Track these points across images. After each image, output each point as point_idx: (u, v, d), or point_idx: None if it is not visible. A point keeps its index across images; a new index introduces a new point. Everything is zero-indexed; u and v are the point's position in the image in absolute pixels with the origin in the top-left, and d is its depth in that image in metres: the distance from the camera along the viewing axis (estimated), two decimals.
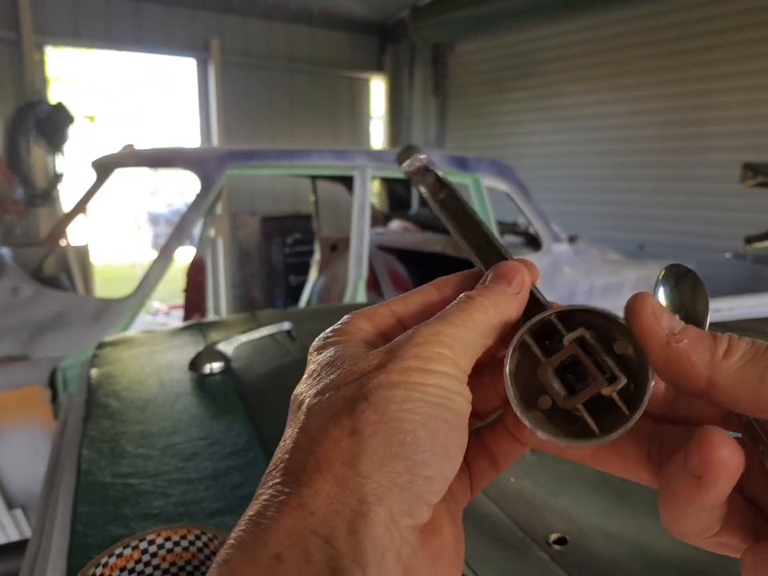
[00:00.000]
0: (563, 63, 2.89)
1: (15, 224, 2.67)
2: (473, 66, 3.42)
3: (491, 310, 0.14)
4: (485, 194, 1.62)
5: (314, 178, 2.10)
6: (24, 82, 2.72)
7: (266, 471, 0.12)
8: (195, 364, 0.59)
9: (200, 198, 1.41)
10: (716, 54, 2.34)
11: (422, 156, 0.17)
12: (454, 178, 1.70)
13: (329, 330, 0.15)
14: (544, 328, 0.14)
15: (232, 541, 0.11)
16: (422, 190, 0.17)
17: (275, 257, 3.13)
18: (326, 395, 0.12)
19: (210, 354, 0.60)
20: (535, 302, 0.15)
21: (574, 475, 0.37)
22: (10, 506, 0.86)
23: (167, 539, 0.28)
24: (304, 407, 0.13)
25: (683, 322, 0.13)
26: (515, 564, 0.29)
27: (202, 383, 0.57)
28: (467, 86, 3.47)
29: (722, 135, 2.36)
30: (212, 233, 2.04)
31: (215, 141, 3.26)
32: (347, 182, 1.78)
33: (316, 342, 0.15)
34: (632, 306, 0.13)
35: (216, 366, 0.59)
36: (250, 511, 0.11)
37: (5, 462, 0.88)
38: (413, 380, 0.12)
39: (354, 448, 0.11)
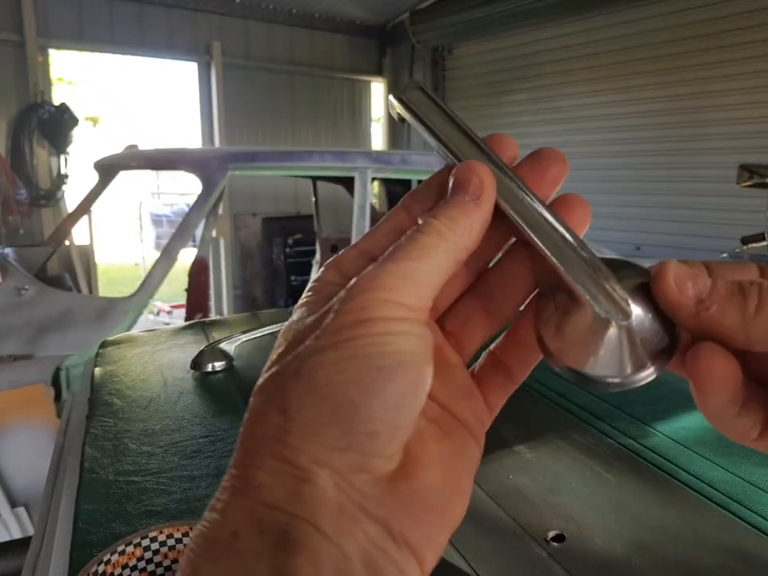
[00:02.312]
0: (562, 65, 2.89)
1: (19, 224, 2.69)
2: (472, 69, 3.42)
3: (445, 230, 0.12)
4: None
5: (314, 179, 2.11)
6: (28, 84, 2.73)
7: None
8: (197, 363, 0.59)
9: (202, 198, 1.41)
10: (714, 56, 2.34)
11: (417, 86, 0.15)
12: None
13: (307, 287, 0.14)
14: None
15: (196, 531, 0.11)
16: (402, 95, 0.15)
17: (276, 257, 3.13)
18: (268, 373, 0.12)
19: (212, 352, 0.60)
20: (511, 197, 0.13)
21: (572, 473, 0.37)
22: (14, 503, 0.87)
23: (170, 536, 0.28)
24: (255, 386, 0.13)
25: (710, 281, 0.12)
26: (513, 561, 0.30)
27: (204, 382, 0.57)
28: (466, 88, 3.48)
29: (719, 136, 2.36)
30: (214, 233, 2.04)
31: (217, 142, 3.27)
32: (348, 182, 1.78)
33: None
34: (654, 278, 0.12)
35: (218, 364, 0.59)
36: (211, 501, 0.12)
37: (8, 460, 0.89)
38: (344, 337, 0.11)
39: (285, 425, 0.11)
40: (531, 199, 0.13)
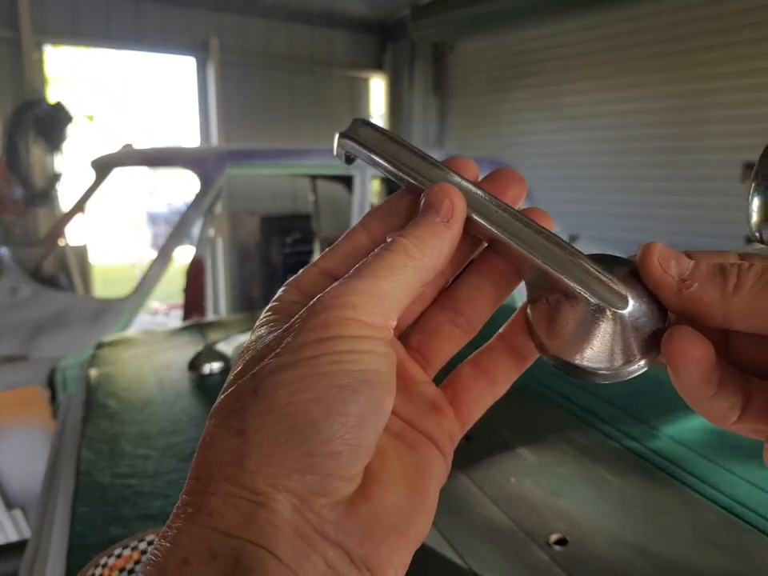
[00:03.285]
0: (564, 62, 2.89)
1: (14, 224, 2.67)
2: (473, 65, 3.42)
3: (414, 249, 0.12)
4: None
5: (313, 177, 2.10)
6: (23, 81, 2.71)
7: None
8: (194, 364, 0.59)
9: (199, 197, 1.40)
10: (716, 53, 2.34)
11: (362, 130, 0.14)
12: None
13: (267, 306, 0.14)
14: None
15: (146, 559, 0.11)
16: (349, 134, 0.15)
17: (274, 257, 3.13)
18: (225, 393, 0.12)
19: (210, 354, 0.60)
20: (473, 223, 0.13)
21: (575, 475, 0.37)
22: (9, 506, 0.86)
23: None
24: (212, 408, 0.12)
25: (692, 262, 0.12)
26: (516, 564, 0.29)
27: (201, 383, 0.57)
28: (467, 85, 3.47)
29: (723, 135, 2.36)
30: (211, 232, 2.04)
31: (214, 140, 3.25)
32: (347, 181, 1.77)
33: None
34: (640, 258, 0.13)
35: (215, 366, 0.59)
36: (163, 528, 0.11)
37: (4, 462, 0.88)
38: (305, 355, 0.11)
39: (241, 448, 0.11)
40: (505, 209, 0.14)
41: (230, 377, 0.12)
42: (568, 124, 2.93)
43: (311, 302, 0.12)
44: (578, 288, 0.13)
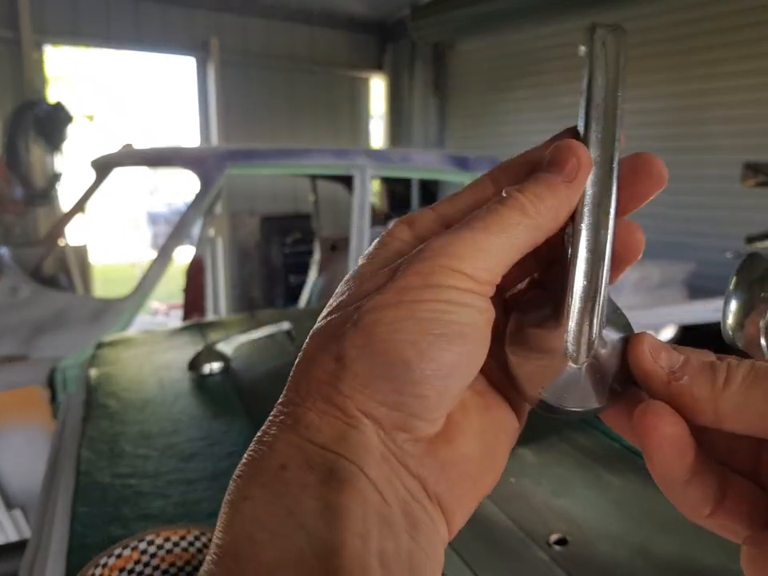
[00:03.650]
0: (564, 62, 2.89)
1: (14, 223, 2.67)
2: (473, 65, 3.42)
3: (530, 207, 0.12)
4: None
5: (313, 177, 2.10)
6: (23, 81, 2.71)
7: None
8: (194, 364, 0.59)
9: (199, 197, 1.40)
10: (716, 53, 2.34)
11: None
12: (454, 177, 1.69)
13: (377, 239, 0.14)
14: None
15: (244, 460, 0.12)
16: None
17: (275, 257, 3.13)
18: (329, 318, 0.12)
19: (210, 354, 0.60)
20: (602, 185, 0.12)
21: (575, 475, 0.37)
22: (9, 506, 0.86)
23: (166, 540, 0.28)
24: (314, 326, 0.13)
25: (682, 356, 0.12)
26: (516, 564, 0.29)
27: (201, 383, 0.57)
28: (467, 85, 3.47)
29: (723, 135, 2.36)
30: (211, 232, 2.04)
31: (214, 140, 3.25)
32: (347, 181, 1.77)
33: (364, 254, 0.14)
34: (630, 348, 0.13)
35: (215, 366, 0.59)
36: (258, 433, 0.12)
37: (4, 462, 0.88)
38: (408, 298, 0.12)
39: (338, 372, 0.12)
40: (607, 212, 0.13)
41: (333, 302, 0.13)
42: (568, 124, 2.91)
43: (419, 246, 0.12)
44: (570, 320, 0.13)
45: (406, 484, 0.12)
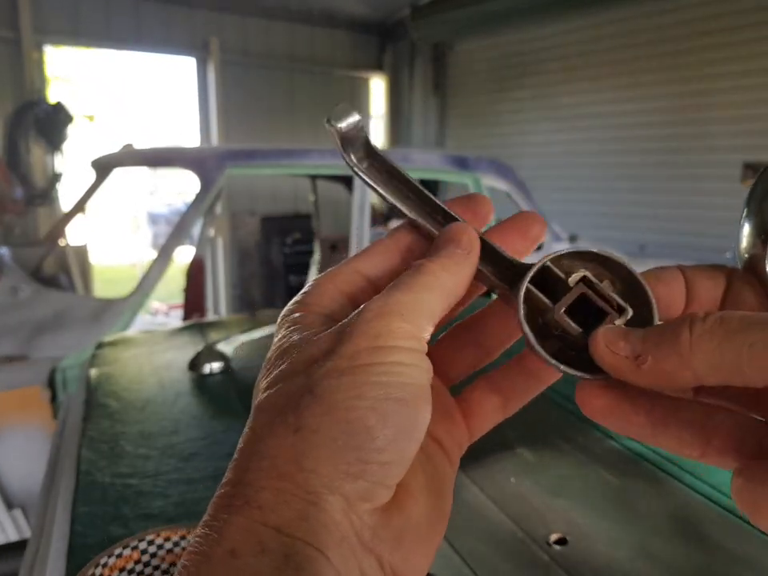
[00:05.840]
0: (563, 62, 2.89)
1: (14, 224, 2.67)
2: (473, 65, 3.42)
3: (443, 274, 0.14)
4: (485, 193, 1.62)
5: (313, 177, 2.10)
6: (23, 82, 2.71)
7: None
8: (195, 364, 0.59)
9: (199, 197, 1.41)
10: (716, 53, 2.34)
11: (358, 117, 0.15)
12: (454, 177, 1.69)
13: (292, 300, 0.14)
14: (536, 276, 0.14)
15: (190, 548, 0.11)
16: (351, 157, 0.16)
17: (275, 257, 3.13)
18: (274, 389, 0.12)
19: (210, 353, 0.60)
20: (494, 254, 0.15)
21: (574, 475, 0.37)
22: (10, 506, 0.86)
23: (167, 539, 0.28)
24: (255, 402, 0.12)
25: (639, 335, 0.12)
26: (515, 564, 0.29)
27: (201, 383, 0.57)
28: (467, 85, 3.47)
29: (723, 135, 2.36)
30: (211, 232, 2.04)
31: (215, 140, 3.26)
32: (347, 181, 1.77)
33: (279, 318, 0.14)
34: (590, 348, 0.13)
35: (215, 365, 0.59)
36: (205, 517, 0.11)
37: (4, 462, 0.88)
38: (361, 362, 0.12)
39: (299, 445, 0.11)
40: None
41: (275, 371, 0.12)
42: (567, 124, 2.93)
43: (359, 309, 0.13)
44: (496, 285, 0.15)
45: (363, 563, 0.11)
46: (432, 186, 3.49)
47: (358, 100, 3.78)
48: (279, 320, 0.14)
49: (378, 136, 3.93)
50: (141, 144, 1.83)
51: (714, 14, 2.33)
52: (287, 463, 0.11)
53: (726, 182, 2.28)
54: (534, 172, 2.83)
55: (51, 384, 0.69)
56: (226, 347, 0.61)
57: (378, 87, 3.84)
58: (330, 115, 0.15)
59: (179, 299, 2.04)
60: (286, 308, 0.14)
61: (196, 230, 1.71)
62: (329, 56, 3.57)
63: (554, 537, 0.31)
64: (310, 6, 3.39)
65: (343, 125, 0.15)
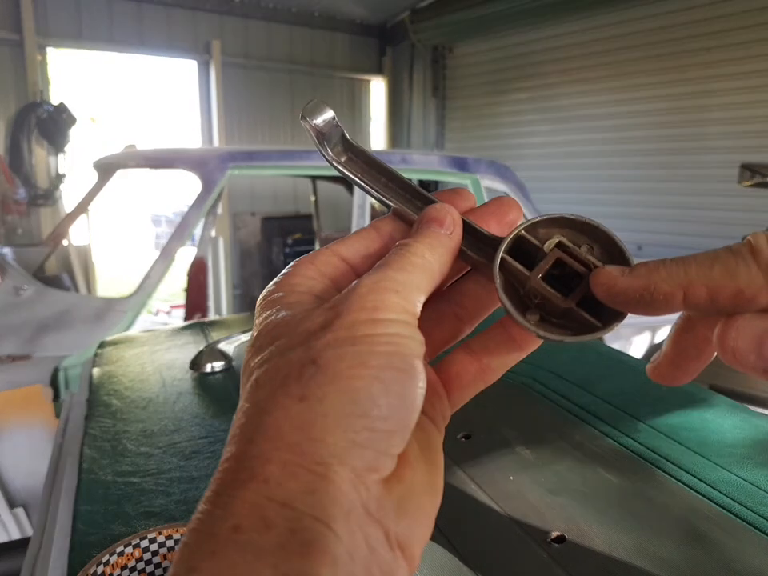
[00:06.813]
0: (562, 64, 2.90)
1: (17, 224, 2.68)
2: (472, 68, 3.42)
3: (428, 253, 0.14)
4: (484, 194, 1.62)
5: (314, 178, 2.11)
6: (26, 83, 2.73)
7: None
8: (196, 363, 0.59)
9: (201, 198, 1.41)
10: (715, 55, 2.34)
11: (332, 113, 0.16)
12: (454, 178, 1.70)
13: (272, 282, 0.14)
14: (513, 245, 0.15)
15: (191, 525, 0.11)
16: (329, 152, 0.16)
17: (276, 257, 3.14)
18: (271, 363, 0.12)
19: (211, 353, 0.60)
20: (474, 232, 0.15)
21: (573, 474, 0.37)
22: (12, 504, 0.86)
23: (168, 538, 0.28)
24: (252, 378, 0.12)
25: (623, 268, 0.13)
26: (514, 562, 0.30)
27: (203, 382, 0.57)
28: (467, 87, 3.48)
29: (721, 136, 2.36)
30: (213, 233, 2.04)
31: (216, 141, 3.27)
32: (347, 182, 1.77)
33: (260, 300, 0.14)
34: (593, 287, 0.14)
35: (217, 365, 0.59)
36: (207, 493, 0.11)
37: (7, 460, 0.89)
38: (360, 333, 0.12)
39: (305, 414, 0.11)
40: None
41: (269, 347, 0.12)
42: (566, 125, 2.94)
43: (352, 284, 0.13)
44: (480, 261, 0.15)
45: (369, 534, 0.11)
46: (431, 187, 3.50)
47: (358, 102, 3.80)
48: (259, 301, 0.14)
49: (378, 138, 3.94)
50: (143, 145, 1.84)
51: (712, 17, 2.34)
52: (294, 432, 0.11)
53: (724, 183, 2.28)
54: (533, 173, 2.83)
55: (54, 383, 0.69)
56: (228, 346, 0.62)
57: (377, 89, 3.85)
58: (304, 111, 0.15)
59: (181, 299, 2.04)
60: (265, 290, 0.14)
61: (197, 230, 1.72)
62: (329, 58, 3.58)
63: (552, 535, 0.31)
64: (311, 9, 3.41)
65: (318, 121, 0.15)
